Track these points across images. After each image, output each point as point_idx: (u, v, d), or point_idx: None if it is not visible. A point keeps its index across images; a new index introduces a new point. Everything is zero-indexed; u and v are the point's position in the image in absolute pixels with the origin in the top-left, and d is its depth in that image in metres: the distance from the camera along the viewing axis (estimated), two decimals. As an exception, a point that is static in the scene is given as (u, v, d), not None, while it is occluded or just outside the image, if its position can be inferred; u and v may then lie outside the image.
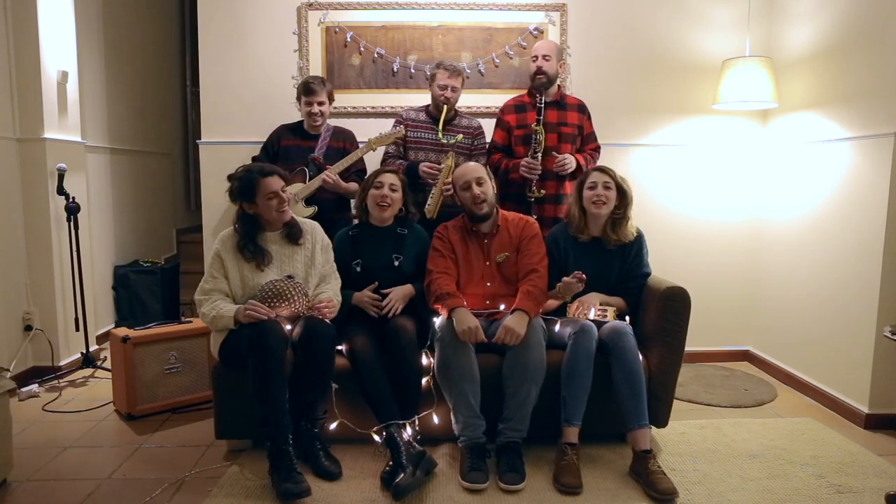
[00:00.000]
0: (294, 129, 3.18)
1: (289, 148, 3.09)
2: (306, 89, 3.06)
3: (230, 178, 2.46)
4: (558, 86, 3.13)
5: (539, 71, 3.01)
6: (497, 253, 2.63)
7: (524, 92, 3.20)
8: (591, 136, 3.17)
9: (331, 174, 2.99)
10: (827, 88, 3.08)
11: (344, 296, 2.53)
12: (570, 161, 2.97)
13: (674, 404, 2.52)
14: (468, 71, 3.50)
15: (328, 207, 3.05)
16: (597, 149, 3.18)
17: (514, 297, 2.54)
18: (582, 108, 3.14)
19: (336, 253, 2.63)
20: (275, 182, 2.39)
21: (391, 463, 2.22)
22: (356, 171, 3.14)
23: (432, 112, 3.09)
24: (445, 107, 3.01)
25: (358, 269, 2.62)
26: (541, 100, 2.97)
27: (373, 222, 2.69)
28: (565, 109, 3.09)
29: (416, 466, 2.17)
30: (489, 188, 2.61)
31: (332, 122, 3.27)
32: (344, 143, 3.17)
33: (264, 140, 3.21)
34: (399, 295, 2.55)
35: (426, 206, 2.90)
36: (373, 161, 3.23)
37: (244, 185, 2.39)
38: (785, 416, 2.92)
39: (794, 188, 3.34)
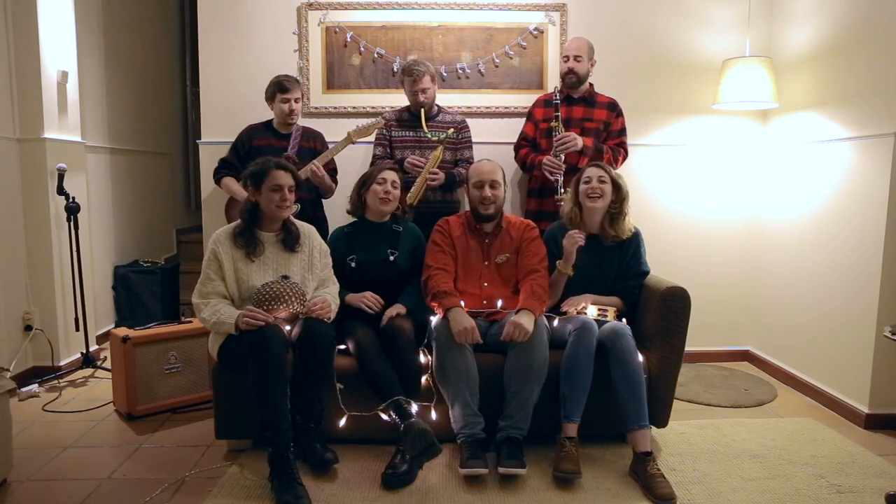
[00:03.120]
0: (265, 129, 3.19)
1: (261, 147, 3.08)
2: (281, 87, 3.06)
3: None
4: (589, 83, 3.15)
5: (570, 72, 3.04)
6: (497, 254, 2.63)
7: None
8: (618, 133, 3.14)
9: (319, 166, 3.01)
10: (827, 88, 3.08)
11: (339, 296, 2.55)
12: (571, 137, 2.94)
13: (674, 404, 2.52)
14: (468, 71, 3.50)
15: (306, 206, 3.06)
16: (620, 144, 3.12)
17: (511, 298, 2.55)
18: (612, 107, 3.14)
19: (331, 250, 2.64)
20: (284, 177, 2.39)
21: (401, 426, 2.24)
22: (328, 170, 3.15)
23: (413, 111, 3.12)
24: (422, 108, 3.05)
25: (353, 264, 2.64)
26: (556, 96, 3.00)
27: (370, 217, 2.70)
28: (593, 107, 3.10)
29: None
30: (501, 192, 2.62)
31: (326, 121, 3.30)
32: (314, 142, 3.19)
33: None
34: (395, 308, 2.57)
35: (409, 193, 2.93)
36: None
37: (257, 170, 2.41)
38: (785, 416, 2.92)
39: (794, 188, 3.34)
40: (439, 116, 3.16)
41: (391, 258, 2.64)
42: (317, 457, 2.29)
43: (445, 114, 3.19)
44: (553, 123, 2.98)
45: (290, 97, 3.07)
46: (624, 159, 3.14)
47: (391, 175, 2.67)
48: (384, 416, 2.33)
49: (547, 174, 2.96)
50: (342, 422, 2.40)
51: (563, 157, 2.95)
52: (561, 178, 2.93)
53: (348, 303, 2.57)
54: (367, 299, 2.56)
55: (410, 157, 3.02)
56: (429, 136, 3.04)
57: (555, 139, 2.95)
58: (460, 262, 2.63)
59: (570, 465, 2.23)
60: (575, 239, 2.50)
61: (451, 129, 3.08)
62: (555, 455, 2.32)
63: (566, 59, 3.07)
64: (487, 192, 2.58)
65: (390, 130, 3.15)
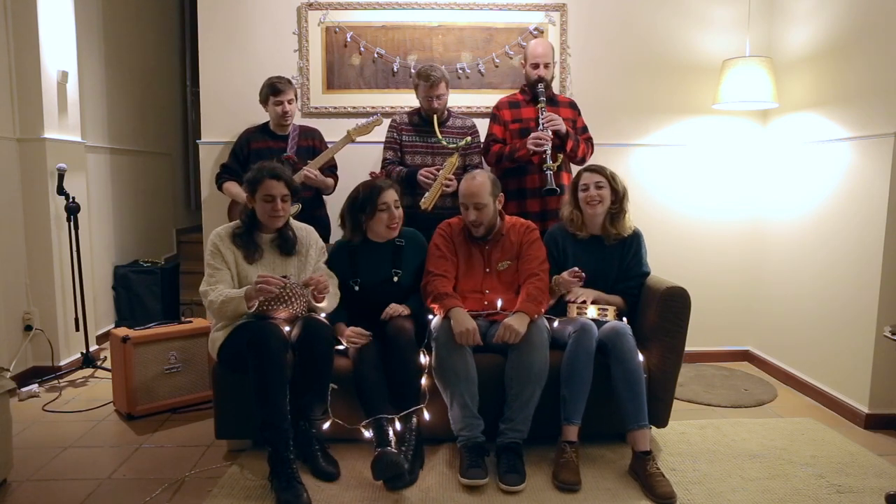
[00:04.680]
0: (262, 131, 3.19)
1: (260, 150, 3.09)
2: (273, 90, 3.06)
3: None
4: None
5: (540, 79, 3.02)
6: (498, 260, 2.61)
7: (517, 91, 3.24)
8: (583, 129, 3.18)
9: (312, 170, 3.01)
10: (827, 88, 3.08)
11: (333, 318, 2.52)
12: (558, 118, 2.96)
13: (674, 404, 2.52)
14: (468, 71, 3.50)
15: (306, 205, 3.06)
16: (590, 139, 3.16)
17: (513, 301, 2.54)
18: (573, 105, 3.19)
19: (334, 265, 2.60)
20: (277, 187, 2.36)
21: (375, 451, 2.20)
22: (328, 167, 3.16)
23: (424, 115, 3.08)
24: (436, 115, 3.02)
25: (356, 287, 2.58)
26: (540, 88, 3.00)
27: (372, 238, 2.60)
28: (557, 106, 3.12)
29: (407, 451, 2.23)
30: (488, 212, 2.53)
31: (326, 121, 3.30)
32: (312, 140, 3.20)
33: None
34: (399, 307, 2.53)
35: (423, 198, 2.89)
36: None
37: (253, 178, 2.39)
38: (785, 416, 2.92)
39: (794, 188, 3.34)
40: (450, 121, 3.13)
41: (395, 279, 2.60)
42: (319, 468, 2.28)
43: (456, 118, 3.17)
44: (539, 106, 2.98)
45: (283, 99, 3.07)
46: (592, 152, 3.15)
47: (391, 196, 2.51)
48: (365, 433, 2.31)
49: (532, 147, 2.90)
50: (326, 425, 2.38)
51: (550, 133, 2.93)
52: (549, 150, 2.89)
53: (337, 333, 2.50)
54: (355, 336, 2.45)
55: (423, 171, 2.94)
56: (444, 142, 3.02)
57: (542, 118, 2.95)
58: (461, 269, 2.61)
59: (569, 475, 2.22)
60: (567, 285, 2.50)
61: (469, 138, 3.07)
62: (555, 459, 2.32)
63: (535, 66, 3.03)
64: (472, 215, 2.52)
65: (401, 135, 3.09)
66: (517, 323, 2.34)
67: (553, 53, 3.10)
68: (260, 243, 2.43)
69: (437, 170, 2.95)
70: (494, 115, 3.17)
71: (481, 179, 2.55)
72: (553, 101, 3.12)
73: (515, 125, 3.08)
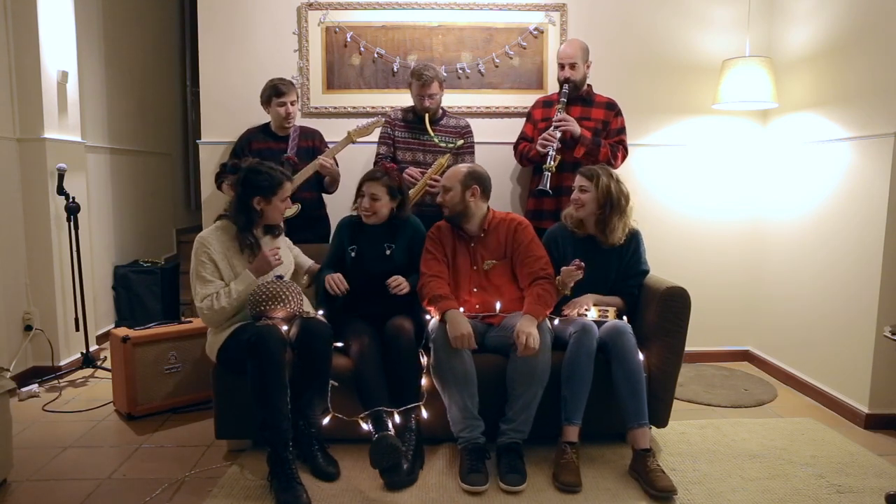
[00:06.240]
0: (263, 132, 3.20)
1: (261, 150, 3.09)
2: (277, 91, 3.07)
3: (246, 168, 2.43)
4: (587, 84, 3.15)
5: (567, 80, 3.02)
6: (484, 258, 2.61)
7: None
8: (618, 131, 3.14)
9: (328, 158, 3.05)
10: (827, 88, 3.08)
11: (321, 276, 2.62)
12: (570, 120, 2.95)
13: (674, 404, 2.52)
14: (468, 71, 3.50)
15: (306, 205, 3.09)
16: (620, 142, 3.12)
17: (508, 301, 2.55)
18: (610, 106, 3.14)
19: (337, 236, 2.73)
20: (290, 188, 2.49)
21: (374, 437, 2.20)
22: None
23: (419, 112, 3.10)
24: (427, 113, 3.04)
25: (353, 254, 2.67)
26: (565, 87, 3.02)
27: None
28: (590, 106, 3.12)
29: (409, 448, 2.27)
30: (452, 197, 2.58)
31: (327, 121, 3.32)
32: (313, 141, 3.21)
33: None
34: (404, 282, 2.56)
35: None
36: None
37: (270, 183, 2.39)
38: (785, 416, 2.92)
39: (794, 188, 3.34)
40: (444, 120, 3.15)
41: (388, 252, 2.65)
42: (319, 468, 2.29)
43: (450, 117, 3.18)
44: (557, 107, 2.99)
45: (286, 101, 3.08)
46: (624, 157, 3.14)
47: (370, 188, 2.59)
48: (363, 425, 2.32)
49: (539, 148, 2.95)
50: (326, 420, 2.39)
51: (559, 134, 2.94)
52: (553, 151, 2.91)
53: (325, 279, 2.57)
54: (335, 281, 2.52)
55: (407, 171, 2.99)
56: (436, 140, 3.04)
57: (555, 118, 2.96)
58: (452, 268, 2.62)
59: (570, 476, 2.22)
60: (573, 275, 2.49)
61: (461, 141, 3.09)
62: (555, 460, 2.32)
63: (561, 66, 3.05)
64: (439, 197, 2.66)
65: (394, 130, 3.13)
66: (532, 328, 2.30)
67: (583, 53, 3.06)
68: (259, 236, 2.48)
69: (422, 173, 2.99)
70: (528, 114, 3.25)
71: (462, 168, 2.65)
72: (587, 101, 3.12)
73: (543, 124, 3.11)
